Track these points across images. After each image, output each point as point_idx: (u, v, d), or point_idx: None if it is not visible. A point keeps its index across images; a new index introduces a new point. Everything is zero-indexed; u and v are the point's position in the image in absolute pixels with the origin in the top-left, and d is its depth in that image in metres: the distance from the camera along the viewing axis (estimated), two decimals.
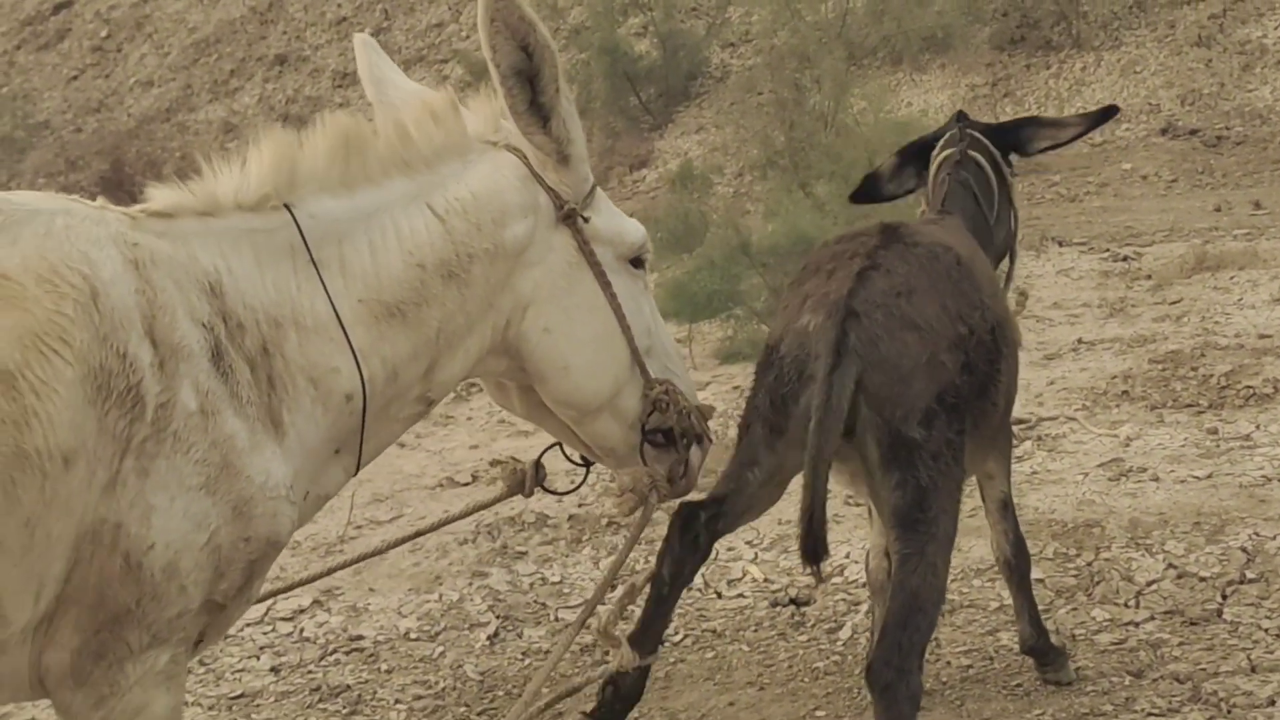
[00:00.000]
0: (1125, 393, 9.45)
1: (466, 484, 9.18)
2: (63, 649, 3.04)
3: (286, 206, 3.38)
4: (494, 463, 9.21)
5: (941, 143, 5.57)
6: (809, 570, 4.18)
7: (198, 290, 3.16)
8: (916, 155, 5.68)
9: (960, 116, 5.68)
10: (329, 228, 3.41)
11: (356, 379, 3.40)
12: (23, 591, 2.91)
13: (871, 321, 4.20)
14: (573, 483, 4.48)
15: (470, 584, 7.30)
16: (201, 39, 32.71)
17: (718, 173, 19.86)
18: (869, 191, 5.81)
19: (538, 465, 4.23)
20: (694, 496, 4.31)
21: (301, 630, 6.93)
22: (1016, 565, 5.44)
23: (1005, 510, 5.40)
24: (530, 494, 4.25)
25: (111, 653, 3.06)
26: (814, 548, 4.09)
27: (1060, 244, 15.10)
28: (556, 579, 7.25)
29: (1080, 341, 10.94)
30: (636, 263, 3.90)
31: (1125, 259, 13.92)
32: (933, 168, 5.53)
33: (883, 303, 4.25)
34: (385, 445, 3.70)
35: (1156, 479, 7.69)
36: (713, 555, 7.23)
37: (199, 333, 3.11)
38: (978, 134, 5.56)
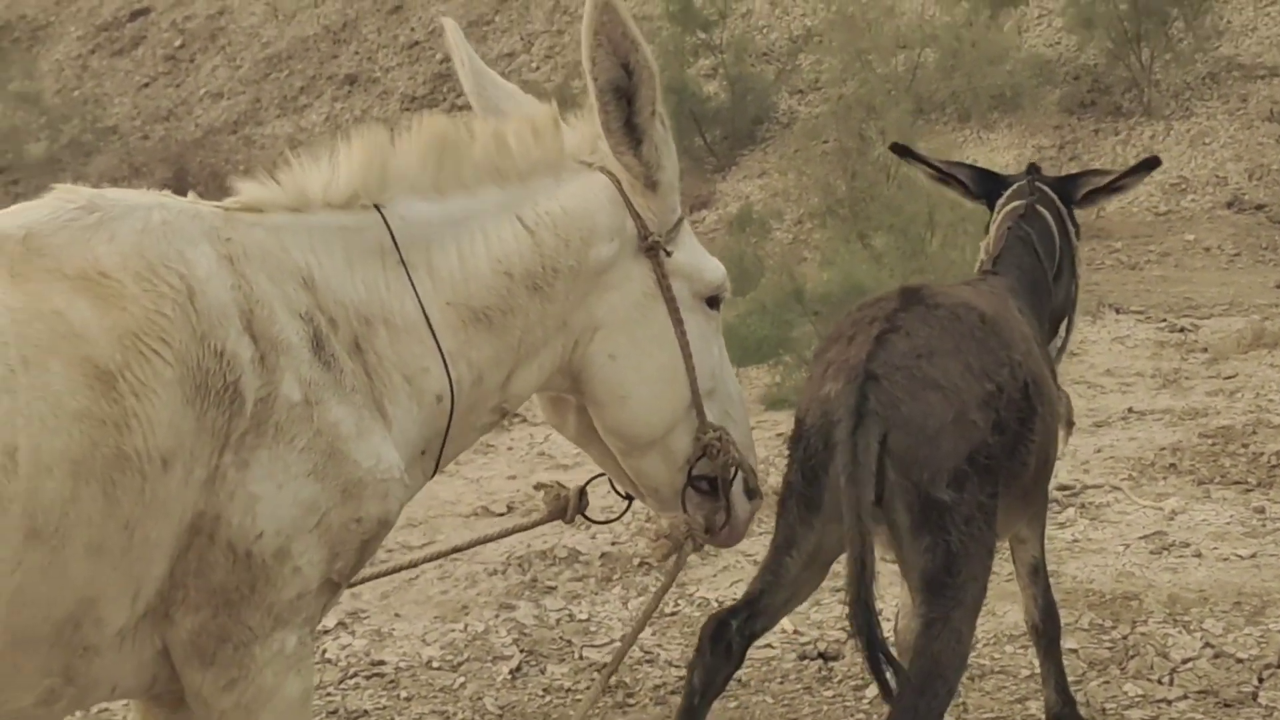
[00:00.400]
0: (1173, 465, 9.32)
1: (502, 514, 9.13)
2: (180, 629, 3.03)
3: (377, 207, 3.37)
4: (538, 485, 9.13)
5: (1010, 193, 5.41)
6: (860, 645, 4.05)
7: (294, 282, 3.16)
8: (980, 182, 5.52)
9: (1032, 169, 5.57)
10: (419, 231, 3.40)
11: (445, 380, 3.40)
12: (121, 594, 2.90)
13: (892, 384, 4.11)
14: (612, 513, 4.37)
15: (497, 616, 7.24)
16: (274, 54, 32.92)
17: (777, 218, 19.82)
18: (917, 156, 5.67)
19: (582, 492, 4.15)
20: (727, 601, 4.23)
21: (324, 652, 6.88)
22: (1046, 631, 5.33)
23: (1036, 575, 5.29)
24: (571, 520, 4.17)
25: (235, 635, 3.06)
26: (866, 621, 3.98)
27: (1117, 311, 14.96)
28: (584, 616, 7.18)
29: (1131, 411, 10.81)
30: (712, 302, 3.83)
31: (1182, 330, 13.77)
32: (997, 216, 5.37)
33: (902, 364, 4.16)
34: (460, 452, 3.70)
35: (1199, 555, 7.56)
36: None
37: (298, 324, 3.11)
38: (1047, 188, 5.44)
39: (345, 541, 3.16)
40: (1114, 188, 5.60)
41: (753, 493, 3.98)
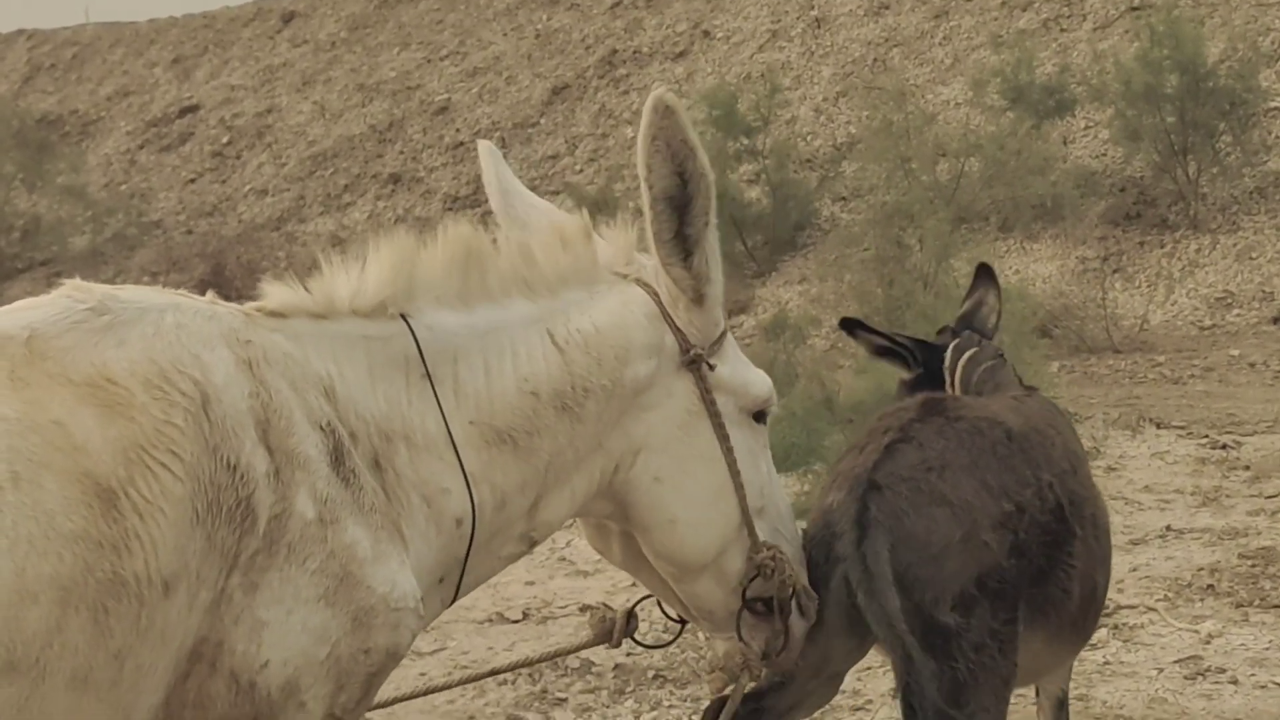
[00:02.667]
0: (1211, 587, 9.05)
1: (517, 621, 8.93)
2: None
3: (403, 316, 3.21)
4: (584, 608, 8.93)
5: (952, 350, 5.00)
6: None
7: (315, 390, 3.00)
8: (923, 351, 5.25)
9: (947, 330, 5.23)
10: (445, 342, 3.25)
11: (467, 503, 3.21)
12: None
13: (895, 495, 3.90)
14: (662, 637, 4.11)
15: None
16: (319, 152, 33.16)
17: (815, 325, 19.66)
18: (867, 329, 5.35)
19: (630, 615, 3.95)
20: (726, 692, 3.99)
21: None
22: None
23: (1061, 710, 5.02)
24: (618, 645, 4.00)
25: None
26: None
27: (1158, 426, 14.69)
28: None
29: (1169, 529, 10.54)
30: (759, 416, 3.66)
31: (1224, 447, 13.49)
32: (956, 371, 4.94)
33: (909, 476, 3.94)
34: (481, 582, 3.52)
35: (1235, 682, 7.30)
36: None
37: (317, 436, 2.93)
38: (973, 331, 5.13)
39: (352, 674, 2.96)
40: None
41: (805, 610, 3.79)
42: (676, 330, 3.47)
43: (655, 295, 3.48)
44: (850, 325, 5.34)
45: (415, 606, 3.05)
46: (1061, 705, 5.02)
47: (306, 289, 3.17)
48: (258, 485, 2.77)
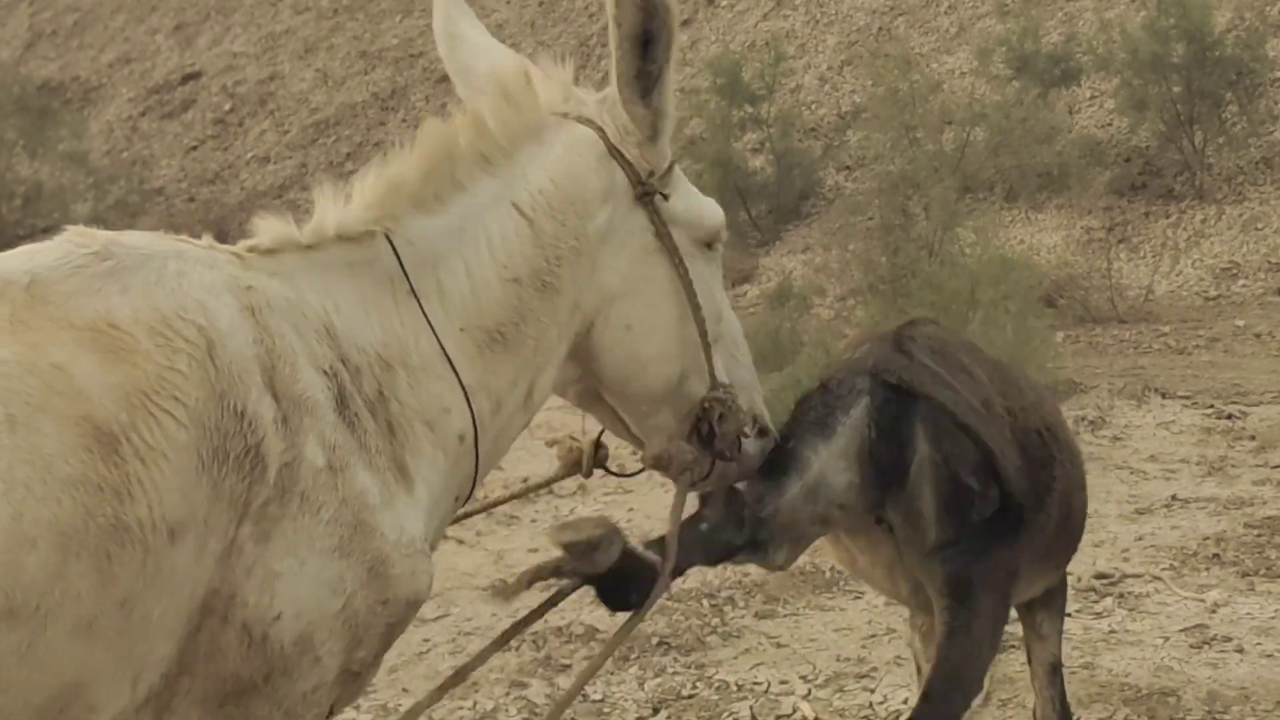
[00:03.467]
0: (1216, 556, 9.02)
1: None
2: None
3: (386, 234, 3.13)
4: (551, 442, 8.89)
5: None
6: None
7: (317, 334, 2.94)
8: None
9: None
10: (425, 251, 3.17)
11: (468, 417, 3.16)
12: (116, 678, 2.62)
13: (922, 353, 3.93)
14: (622, 468, 4.00)
15: (507, 694, 7.00)
16: (322, 120, 33.10)
17: (820, 294, 19.63)
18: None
19: (597, 444, 3.82)
20: (746, 685, 3.92)
21: None
22: None
23: (1054, 676, 5.01)
24: (589, 474, 3.87)
25: None
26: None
27: (1163, 396, 14.66)
28: (598, 697, 6.94)
29: (1174, 498, 10.51)
30: (710, 246, 3.58)
31: (1229, 417, 13.46)
32: None
33: (929, 346, 4.00)
34: (489, 470, 3.43)
35: (1241, 650, 7.27)
36: (764, 687, 6.95)
37: (322, 381, 2.87)
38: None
39: (370, 626, 2.88)
40: None
41: (764, 431, 3.70)
42: (626, 165, 3.38)
43: (601, 132, 3.39)
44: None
45: (424, 549, 3.00)
46: (1055, 670, 5.00)
47: (299, 226, 3.11)
48: (266, 433, 2.72)
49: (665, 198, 3.42)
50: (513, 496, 4.25)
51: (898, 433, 3.80)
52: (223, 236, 3.17)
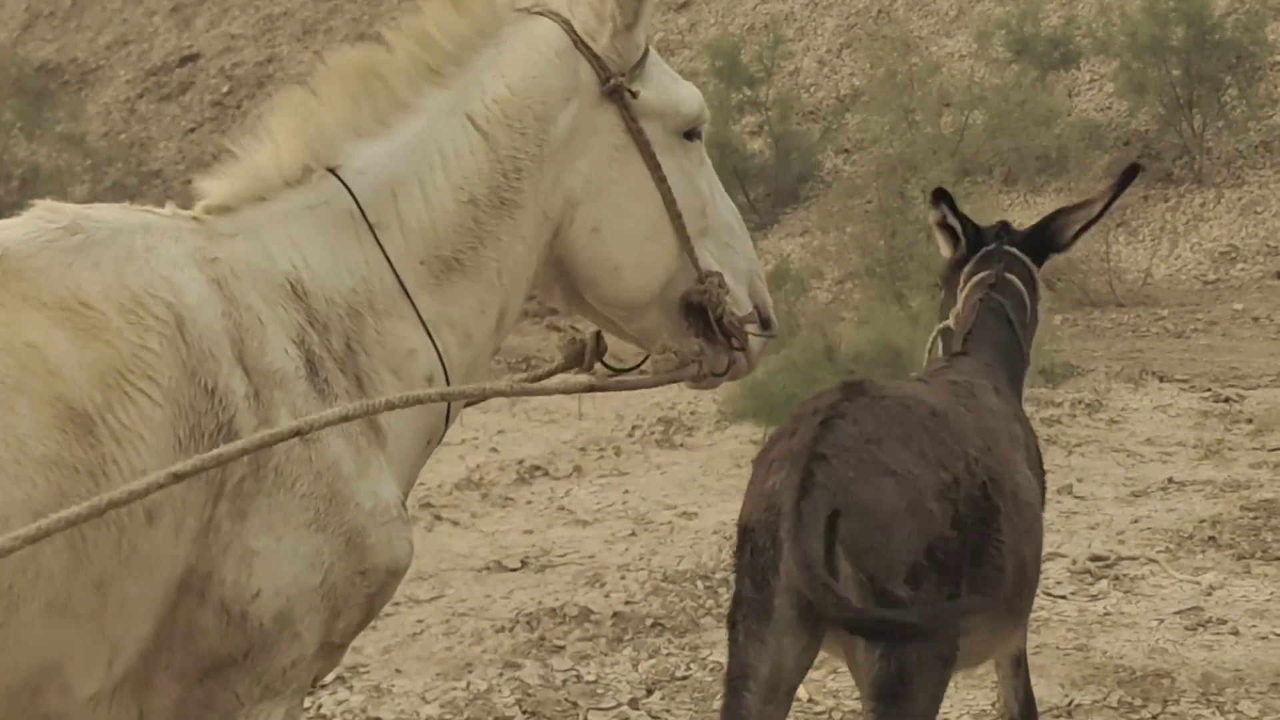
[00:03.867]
0: (1212, 539, 9.00)
1: (515, 569, 8.88)
2: (164, 696, 2.76)
3: (333, 171, 3.04)
4: (551, 327, 8.80)
5: (976, 261, 5.12)
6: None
7: (284, 297, 2.89)
8: (969, 237, 5.24)
9: (1001, 228, 5.28)
10: (379, 179, 3.06)
11: (434, 356, 3.08)
12: (91, 658, 2.61)
13: (842, 464, 3.74)
14: (622, 362, 3.91)
15: (501, 675, 6.99)
16: None
17: (818, 277, 19.58)
18: (951, 201, 5.30)
19: (598, 337, 3.64)
20: None
21: (319, 707, 6.64)
22: None
23: (1018, 666, 4.95)
24: (589, 368, 3.67)
25: (220, 704, 2.80)
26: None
27: (1161, 379, 14.64)
28: (592, 678, 6.92)
29: (1171, 481, 10.49)
30: (690, 134, 3.40)
31: (1227, 400, 13.44)
32: (965, 286, 5.06)
33: (851, 447, 3.79)
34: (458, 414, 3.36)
35: (1236, 633, 7.25)
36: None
37: (292, 350, 2.84)
38: (1017, 252, 5.14)
39: (349, 598, 2.87)
40: (1107, 208, 5.27)
41: (766, 322, 3.58)
42: (593, 58, 3.23)
43: (566, 25, 3.24)
44: (939, 196, 5.29)
45: (399, 514, 2.94)
46: (1019, 663, 4.95)
47: (235, 176, 3.03)
48: (238, 408, 2.69)
49: (634, 94, 3.26)
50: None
51: (827, 561, 3.63)
52: None
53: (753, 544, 3.86)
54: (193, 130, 33.81)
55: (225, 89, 34.61)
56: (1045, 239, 5.22)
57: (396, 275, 3.03)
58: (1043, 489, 4.76)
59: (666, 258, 3.34)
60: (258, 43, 35.66)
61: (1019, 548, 4.22)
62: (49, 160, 31.34)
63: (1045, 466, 5.01)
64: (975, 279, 5.02)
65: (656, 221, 3.30)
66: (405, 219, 3.07)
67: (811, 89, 28.16)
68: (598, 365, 3.67)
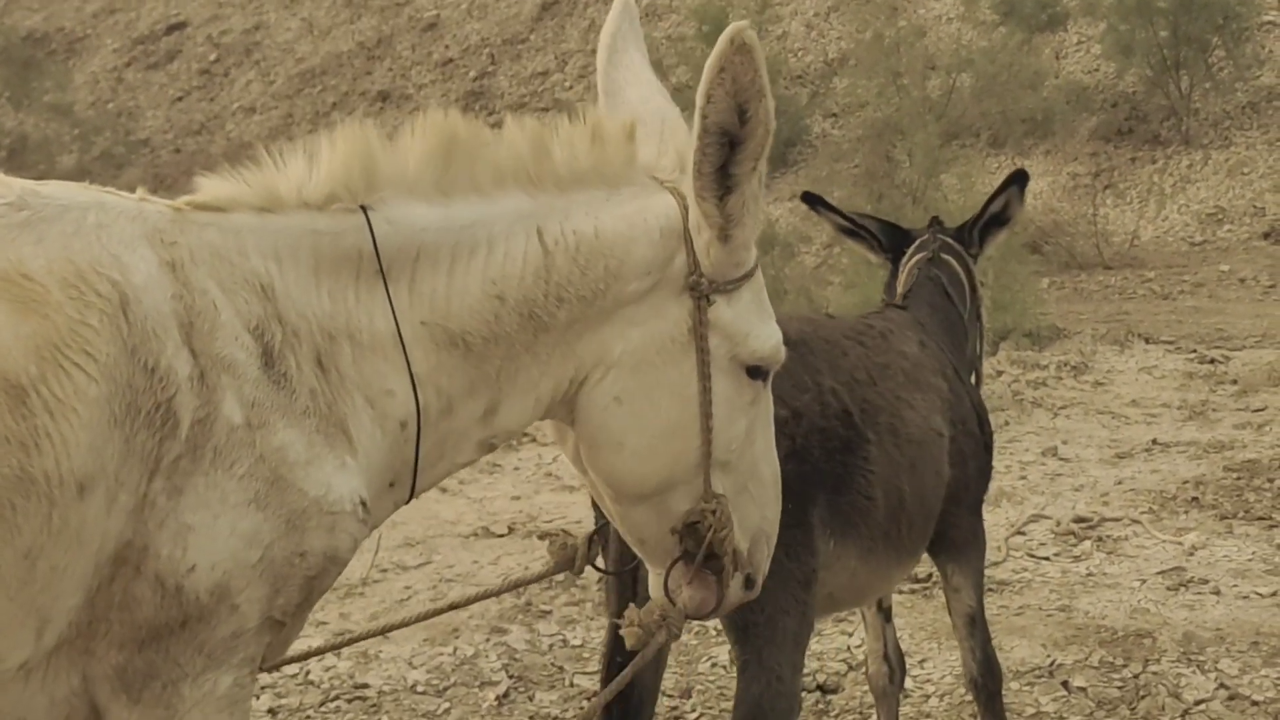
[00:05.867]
0: (1195, 499, 9.06)
1: (502, 535, 8.92)
2: (104, 663, 2.77)
3: (364, 209, 2.99)
4: (543, 536, 8.92)
5: (915, 246, 5.43)
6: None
7: (247, 290, 2.84)
8: (888, 236, 5.55)
9: (933, 223, 5.59)
10: (408, 238, 3.02)
11: (412, 405, 3.04)
12: (20, 628, 2.62)
13: None
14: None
15: (487, 640, 7.03)
16: (308, 69, 32.95)
17: (805, 242, 19.60)
18: (827, 205, 5.51)
19: (590, 541, 3.74)
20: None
21: (307, 673, 6.68)
22: (985, 685, 5.08)
23: (974, 626, 5.03)
24: (580, 572, 3.80)
25: (164, 673, 2.79)
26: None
27: (1147, 341, 14.70)
28: (578, 642, 6.97)
29: (1155, 442, 10.55)
30: (754, 372, 3.34)
31: (1212, 361, 13.50)
32: (904, 268, 5.38)
33: None
34: (435, 483, 3.31)
35: (1218, 592, 7.31)
36: None
37: (247, 339, 2.80)
38: (949, 239, 5.45)
39: (288, 577, 2.85)
40: (993, 218, 5.48)
41: (749, 583, 3.50)
42: (691, 253, 3.19)
43: (684, 207, 3.19)
44: (812, 200, 5.45)
45: (353, 510, 2.92)
46: (974, 622, 5.01)
47: (246, 183, 2.95)
48: (179, 389, 2.69)
49: (711, 301, 3.22)
50: (500, 590, 4.14)
51: None
52: None
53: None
54: (180, 99, 33.74)
55: (213, 57, 34.53)
56: (970, 235, 5.51)
57: (396, 322, 3.01)
58: (986, 446, 4.94)
59: (676, 462, 3.30)
60: (244, 10, 35.55)
61: (893, 479, 4.30)
62: (36, 130, 31.28)
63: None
64: (912, 260, 5.28)
65: (682, 427, 3.27)
66: (418, 282, 3.05)
67: (799, 53, 28.14)
68: (588, 568, 3.75)
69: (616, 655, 4.10)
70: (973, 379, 5.33)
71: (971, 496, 4.83)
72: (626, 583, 4.06)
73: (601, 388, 3.23)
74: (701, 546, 3.35)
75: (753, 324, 3.32)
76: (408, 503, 3.23)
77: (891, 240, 5.49)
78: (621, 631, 3.40)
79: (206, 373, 2.72)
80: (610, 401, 3.23)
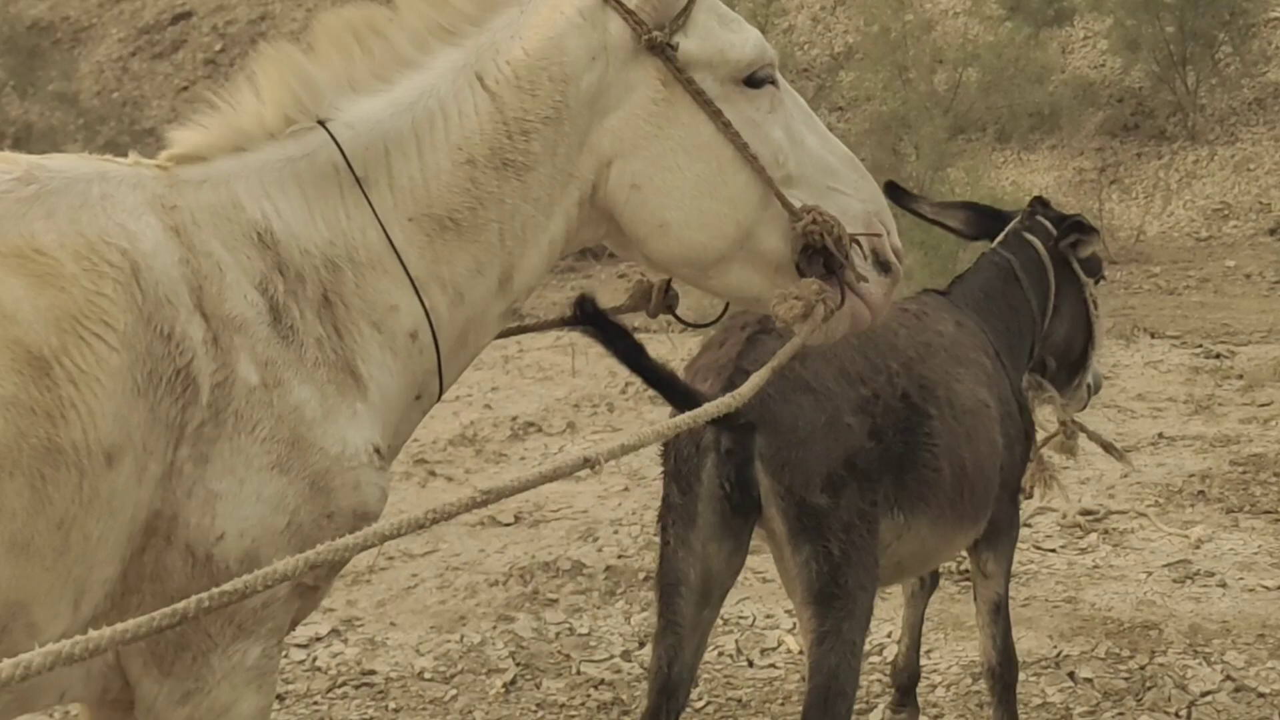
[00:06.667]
0: (1201, 493, 9.07)
1: (509, 524, 8.93)
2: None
3: (321, 123, 2.97)
4: (621, 274, 8.72)
5: (1006, 230, 5.34)
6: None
7: (249, 245, 2.86)
8: (978, 222, 5.42)
9: (1036, 202, 5.47)
10: (373, 134, 2.99)
11: (419, 312, 3.01)
12: (57, 599, 2.62)
13: (768, 357, 3.88)
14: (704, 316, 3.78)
15: (494, 628, 7.04)
16: None
17: None
18: (910, 195, 5.40)
19: (668, 287, 3.53)
20: (732, 619, 4.00)
21: (314, 659, 6.69)
22: (1002, 675, 5.09)
23: (998, 614, 5.05)
24: (655, 314, 3.56)
25: (195, 644, 2.82)
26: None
27: (1152, 335, 14.70)
28: (585, 630, 6.98)
29: (1161, 436, 10.55)
30: (753, 81, 3.18)
31: (1218, 356, 13.50)
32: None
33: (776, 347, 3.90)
34: (464, 369, 3.26)
35: (1224, 585, 7.32)
36: (749, 621, 6.99)
37: (254, 296, 2.81)
38: (1043, 218, 5.31)
39: (317, 541, 2.79)
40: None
41: (885, 265, 3.30)
42: (626, 14, 3.09)
43: None
44: (895, 192, 5.21)
45: (369, 460, 2.92)
46: (999, 609, 5.04)
47: (211, 127, 2.96)
48: (196, 354, 2.69)
49: (674, 47, 3.10)
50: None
51: (743, 477, 3.89)
52: None
53: (677, 450, 4.05)
54: (185, 89, 33.68)
55: (218, 47, 34.50)
56: (1067, 229, 5.35)
57: (384, 230, 2.99)
58: (1026, 433, 4.94)
59: (733, 210, 3.17)
60: (250, 0, 35.53)
61: (956, 450, 4.37)
62: (41, 119, 31.23)
63: (1037, 422, 5.11)
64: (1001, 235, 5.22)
65: (713, 174, 3.15)
66: (395, 176, 3.02)
67: (805, 46, 28.11)
68: (669, 318, 3.59)
69: (670, 665, 4.16)
70: (1083, 379, 5.33)
71: (1013, 482, 4.85)
72: (681, 592, 4.12)
73: (612, 185, 3.15)
74: (831, 256, 3.18)
75: (722, 38, 3.19)
76: (439, 398, 3.18)
77: (983, 225, 5.40)
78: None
79: (219, 335, 2.74)
80: (629, 191, 3.14)
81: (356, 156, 2.99)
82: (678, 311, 3.58)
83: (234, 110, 2.98)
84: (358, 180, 2.98)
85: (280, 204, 2.93)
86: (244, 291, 2.80)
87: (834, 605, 3.93)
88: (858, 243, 3.24)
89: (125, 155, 2.89)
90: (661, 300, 3.55)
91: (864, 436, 3.99)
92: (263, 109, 2.98)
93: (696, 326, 3.84)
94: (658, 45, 3.09)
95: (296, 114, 2.98)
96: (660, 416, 11.90)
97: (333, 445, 2.85)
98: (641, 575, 7.63)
